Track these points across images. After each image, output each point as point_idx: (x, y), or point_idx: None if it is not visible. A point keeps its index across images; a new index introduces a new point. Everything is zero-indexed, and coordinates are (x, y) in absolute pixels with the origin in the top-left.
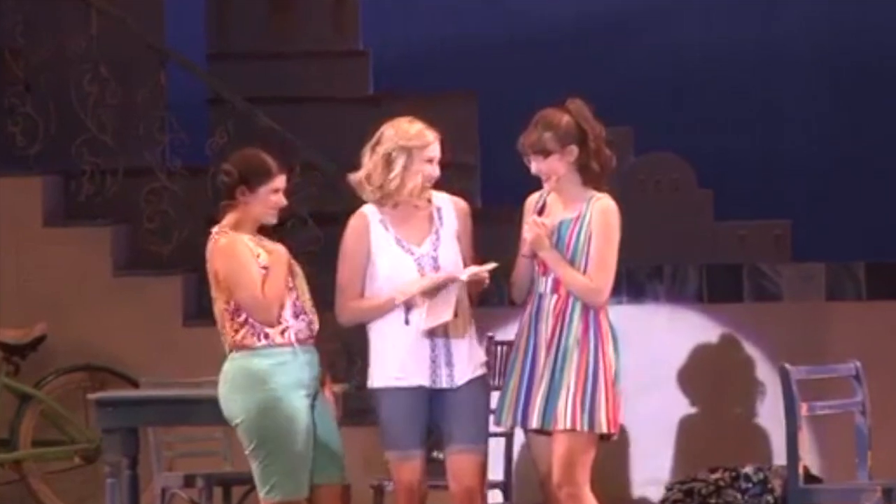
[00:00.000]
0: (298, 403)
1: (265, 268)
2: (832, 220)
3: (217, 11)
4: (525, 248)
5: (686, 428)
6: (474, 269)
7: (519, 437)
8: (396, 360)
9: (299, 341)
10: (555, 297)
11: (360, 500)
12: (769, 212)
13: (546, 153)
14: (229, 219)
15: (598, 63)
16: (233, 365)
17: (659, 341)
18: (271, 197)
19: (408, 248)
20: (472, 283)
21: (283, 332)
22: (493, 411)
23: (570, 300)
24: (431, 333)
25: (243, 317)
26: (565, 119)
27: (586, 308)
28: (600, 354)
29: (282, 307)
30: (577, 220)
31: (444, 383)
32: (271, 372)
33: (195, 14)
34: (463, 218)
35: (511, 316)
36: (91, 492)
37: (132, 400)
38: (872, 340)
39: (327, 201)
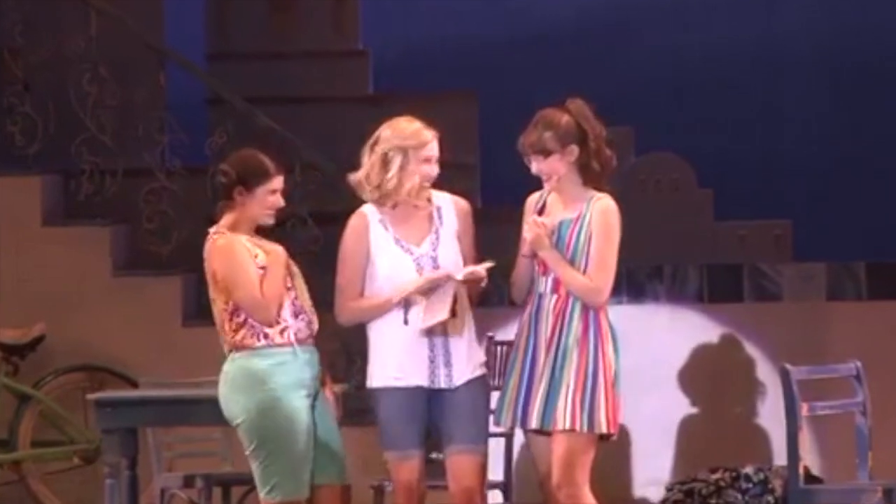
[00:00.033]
0: (298, 403)
1: (263, 268)
2: (832, 219)
3: (216, 11)
4: (525, 248)
5: (686, 428)
6: (471, 268)
7: (519, 437)
8: (395, 359)
9: (299, 341)
10: (555, 296)
11: (360, 500)
12: (769, 212)
13: (546, 153)
14: (227, 219)
15: (599, 63)
16: (233, 365)
17: (659, 341)
18: (269, 198)
19: (407, 248)
20: (471, 283)
21: (282, 332)
22: (492, 411)
23: (570, 300)
24: (430, 333)
25: (242, 317)
26: (566, 119)
27: (586, 308)
28: (600, 354)
29: (280, 307)
30: (577, 219)
31: (442, 383)
32: (271, 372)
33: (194, 14)
34: (463, 217)
35: (511, 316)
36: (90, 492)
37: (131, 400)
38: (873, 340)
39: (327, 201)
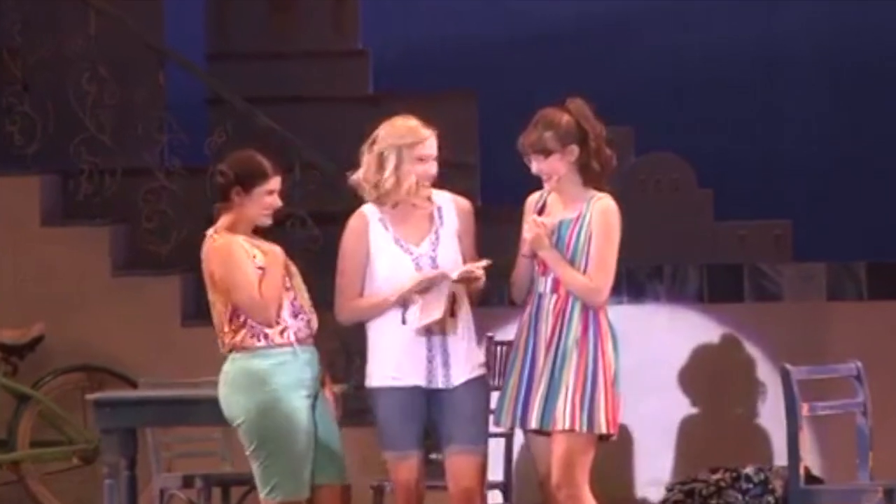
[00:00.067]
0: (299, 403)
1: (261, 268)
2: (833, 219)
3: (216, 11)
4: (525, 248)
5: (687, 428)
6: (467, 266)
7: (519, 437)
8: (393, 359)
9: (299, 341)
10: (554, 296)
11: (360, 500)
12: (769, 212)
13: (546, 153)
14: (224, 220)
15: (599, 63)
16: (233, 366)
17: (659, 341)
18: (266, 198)
19: (406, 248)
20: (469, 283)
21: (282, 333)
22: (492, 411)
23: (570, 300)
24: (428, 333)
25: (242, 318)
26: (566, 118)
27: (586, 308)
28: (599, 354)
29: (280, 307)
30: (577, 219)
31: (440, 383)
32: (272, 372)
33: (194, 14)
34: (464, 217)
35: (511, 316)
36: (89, 493)
37: (130, 400)
38: (873, 340)
39: (327, 201)
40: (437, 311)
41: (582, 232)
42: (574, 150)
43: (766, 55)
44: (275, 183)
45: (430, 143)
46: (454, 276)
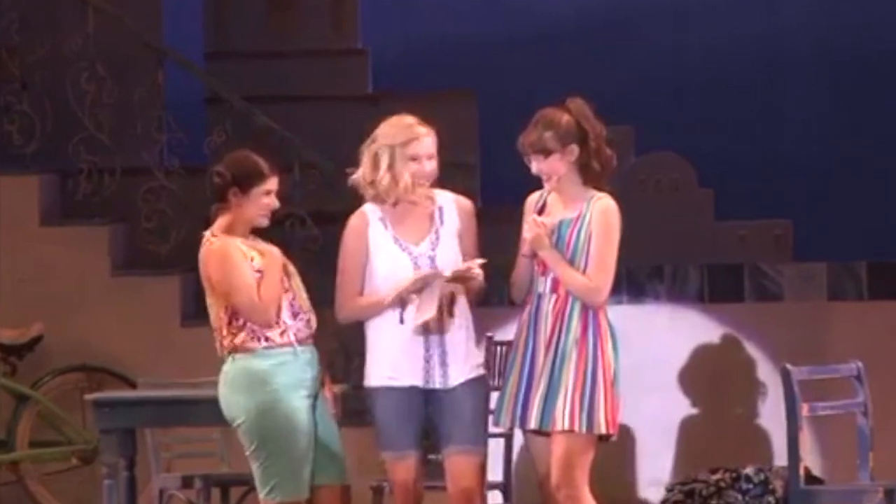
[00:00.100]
0: (299, 404)
1: (259, 271)
2: (833, 219)
3: (215, 10)
4: (525, 248)
5: (687, 428)
6: (464, 265)
7: (518, 437)
8: (390, 359)
9: (299, 341)
10: (554, 296)
11: (359, 501)
12: (770, 211)
13: (546, 153)
14: (221, 221)
15: (599, 62)
16: (233, 366)
17: (659, 341)
18: (264, 199)
19: (405, 247)
20: (464, 282)
21: (282, 334)
22: (492, 412)
23: (570, 300)
24: (425, 333)
25: (241, 321)
26: (566, 118)
27: (585, 308)
28: (599, 355)
29: (279, 309)
30: (577, 219)
31: (437, 384)
32: (272, 372)
33: (193, 12)
34: (465, 217)
35: (511, 316)
36: (88, 493)
37: (129, 400)
38: (874, 340)
39: (326, 201)
40: (430, 311)
41: (582, 232)
42: (574, 149)
43: (767, 54)
44: (272, 183)
45: (423, 141)
46: (448, 274)
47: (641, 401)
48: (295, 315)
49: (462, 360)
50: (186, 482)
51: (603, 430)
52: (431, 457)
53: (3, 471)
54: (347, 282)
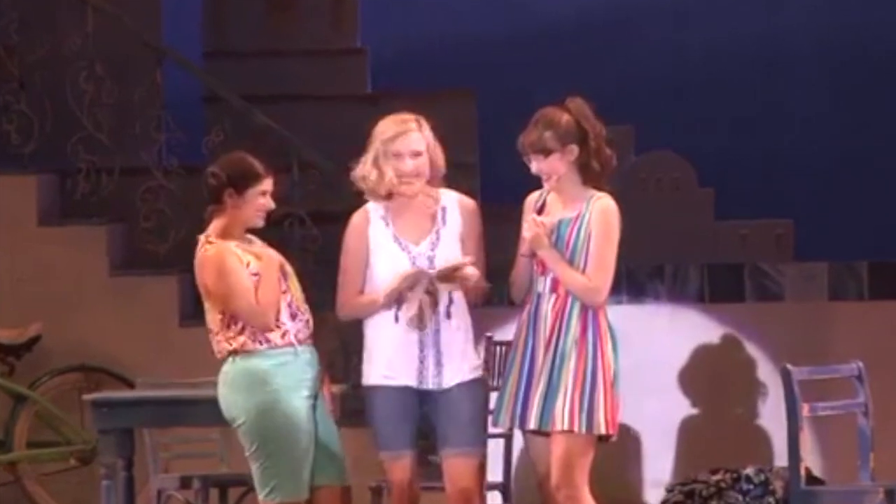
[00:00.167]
0: (299, 404)
1: (256, 274)
2: (834, 219)
3: (214, 9)
4: (524, 248)
5: (687, 429)
6: (448, 264)
7: (518, 438)
8: (386, 358)
9: (299, 341)
10: (553, 296)
11: (359, 501)
12: (771, 211)
13: (546, 152)
14: (217, 224)
15: (599, 61)
16: (233, 366)
17: (660, 341)
18: (259, 199)
19: (405, 246)
20: (453, 281)
21: (283, 335)
22: (491, 412)
23: (569, 300)
24: (419, 332)
25: (240, 324)
26: (565, 118)
27: (585, 308)
28: (599, 355)
29: (278, 311)
30: (576, 219)
31: (430, 384)
32: (272, 373)
33: (192, 12)
34: (468, 217)
35: (510, 316)
36: (87, 493)
37: (128, 401)
38: (875, 341)
39: (325, 200)
40: (412, 310)
41: (581, 231)
42: (574, 149)
43: (767, 54)
44: (267, 184)
45: (407, 138)
46: (433, 273)
47: (642, 401)
48: (293, 316)
49: (458, 362)
50: (185, 482)
51: (603, 431)
52: (431, 458)
53: (1, 471)
54: (348, 281)
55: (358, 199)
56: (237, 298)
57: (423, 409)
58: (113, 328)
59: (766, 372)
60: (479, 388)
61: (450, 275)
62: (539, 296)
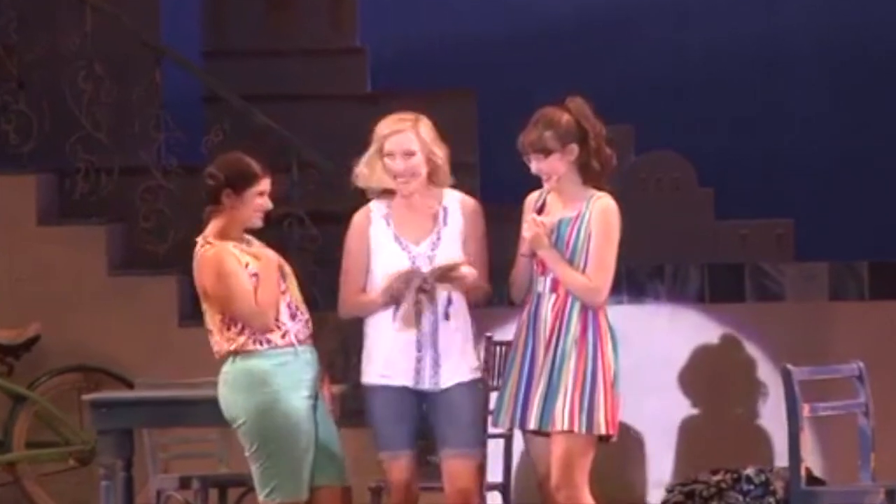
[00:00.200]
0: (300, 404)
1: (255, 275)
2: (835, 218)
3: (213, 8)
4: (524, 247)
5: (687, 429)
6: (443, 264)
7: (518, 438)
8: (384, 357)
9: (300, 342)
10: (553, 296)
11: (358, 502)
12: (771, 211)
13: (546, 152)
14: (215, 225)
15: (599, 61)
16: (233, 366)
17: (660, 341)
18: (257, 200)
19: (405, 246)
20: (446, 281)
21: (283, 335)
22: (491, 412)
23: (569, 300)
24: (416, 331)
25: (240, 325)
26: (565, 117)
27: (585, 308)
28: (599, 355)
29: (277, 312)
30: (576, 218)
31: (427, 385)
32: (272, 373)
33: (191, 11)
34: (470, 218)
35: (510, 316)
36: (86, 494)
37: (127, 401)
38: (876, 341)
39: (324, 200)
40: (404, 307)
41: (581, 231)
42: (574, 149)
43: (768, 53)
44: (265, 184)
45: (397, 138)
46: (424, 272)
47: (642, 401)
48: (293, 316)
49: (456, 362)
50: (184, 483)
51: (603, 431)
52: (431, 458)
53: (0, 472)
54: (349, 280)
55: (358, 199)
56: (236, 300)
57: (422, 409)
58: (112, 328)
59: (767, 372)
60: (478, 388)
61: (445, 274)
62: (539, 296)
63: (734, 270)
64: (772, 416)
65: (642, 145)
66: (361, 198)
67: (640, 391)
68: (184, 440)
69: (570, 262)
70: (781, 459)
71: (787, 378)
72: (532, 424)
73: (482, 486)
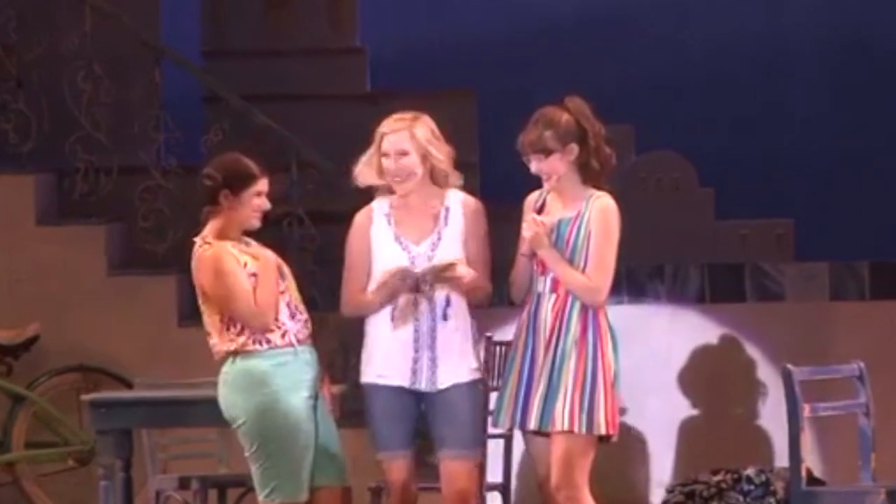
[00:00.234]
0: (299, 405)
1: (254, 275)
2: (835, 218)
3: (212, 8)
4: (524, 247)
5: (687, 429)
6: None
7: (518, 439)
8: (382, 356)
9: (299, 342)
10: (553, 296)
11: (358, 502)
12: (771, 211)
13: (546, 152)
14: (213, 225)
15: (599, 60)
16: (233, 366)
17: (660, 342)
18: (255, 200)
19: (405, 246)
20: (441, 281)
21: (283, 335)
22: (491, 412)
23: (569, 300)
24: (417, 333)
25: (239, 326)
26: (565, 117)
27: (585, 308)
28: (599, 355)
29: (277, 312)
30: (576, 218)
31: (424, 385)
32: (272, 373)
33: (190, 11)
34: (471, 218)
35: (510, 316)
36: (85, 494)
37: (126, 401)
38: (876, 341)
39: (324, 200)
40: (397, 306)
41: (581, 231)
42: (574, 149)
43: (768, 52)
44: (263, 185)
45: (390, 138)
46: (417, 271)
47: (642, 401)
48: (292, 316)
49: (454, 363)
50: (183, 483)
51: (603, 431)
52: (429, 458)
53: None
54: (351, 279)
55: (358, 199)
56: (236, 299)
57: (420, 410)
58: (111, 328)
59: (767, 372)
60: (477, 389)
61: (440, 274)
62: (539, 296)
63: (734, 270)
64: (772, 416)
65: (642, 145)
66: (361, 197)
67: (640, 391)
68: (183, 440)
69: (570, 261)
70: (782, 460)
71: (787, 378)
72: (532, 425)
73: (482, 487)
